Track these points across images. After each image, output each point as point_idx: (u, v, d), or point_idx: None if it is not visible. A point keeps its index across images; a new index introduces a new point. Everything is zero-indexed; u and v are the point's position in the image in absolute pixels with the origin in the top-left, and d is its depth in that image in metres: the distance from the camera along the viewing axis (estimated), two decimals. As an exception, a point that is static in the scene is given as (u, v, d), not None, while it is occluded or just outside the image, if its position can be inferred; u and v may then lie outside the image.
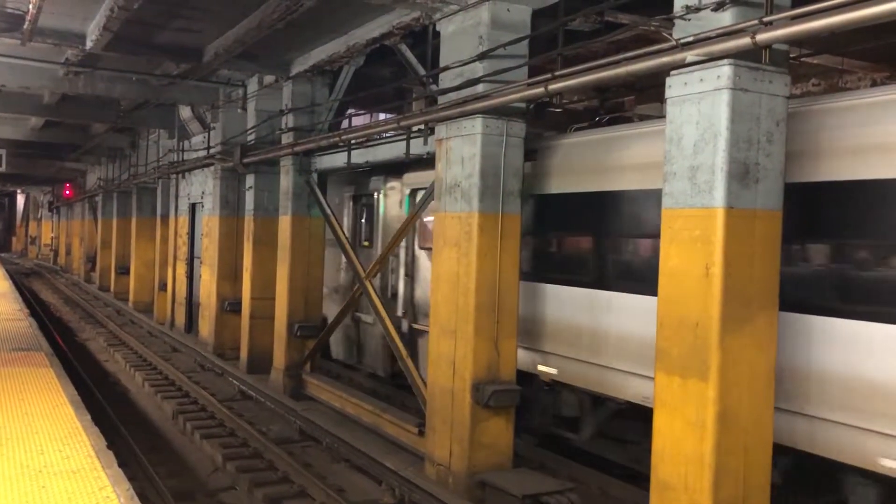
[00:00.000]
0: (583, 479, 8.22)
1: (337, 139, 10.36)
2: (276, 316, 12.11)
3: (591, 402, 8.33)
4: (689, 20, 5.48)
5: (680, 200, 5.50)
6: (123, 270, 24.62)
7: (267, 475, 8.47)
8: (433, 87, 8.50)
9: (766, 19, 4.96)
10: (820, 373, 5.91)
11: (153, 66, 12.96)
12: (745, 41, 4.98)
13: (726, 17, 5.28)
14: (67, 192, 38.18)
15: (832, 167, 6.02)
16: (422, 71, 9.02)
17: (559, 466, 8.61)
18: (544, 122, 13.21)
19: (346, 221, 12.81)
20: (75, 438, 6.56)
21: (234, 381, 12.69)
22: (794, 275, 6.05)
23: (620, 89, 11.84)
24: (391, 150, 9.66)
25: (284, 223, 11.95)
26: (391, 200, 11.84)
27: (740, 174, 5.29)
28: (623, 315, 7.52)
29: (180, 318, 17.72)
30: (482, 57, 7.45)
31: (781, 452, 6.00)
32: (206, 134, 15.87)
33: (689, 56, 5.34)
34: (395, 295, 11.34)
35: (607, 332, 7.73)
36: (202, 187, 16.42)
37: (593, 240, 8.17)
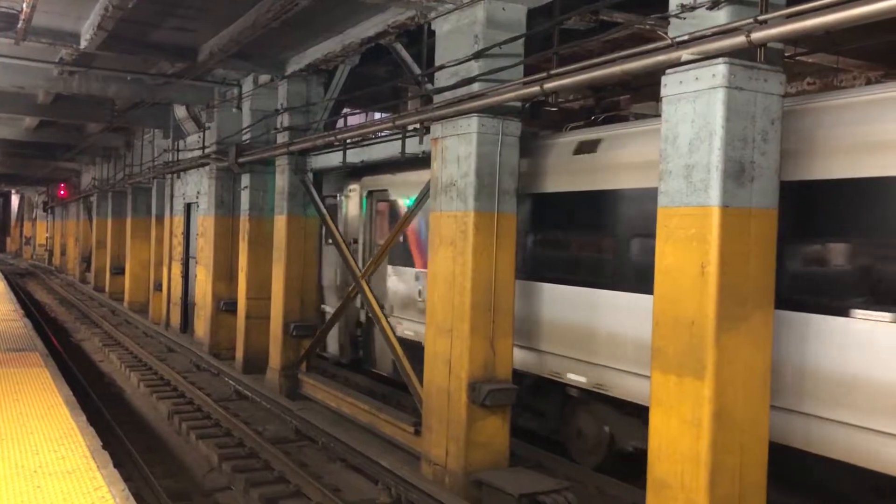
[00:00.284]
0: (579, 478, 8.23)
1: (332, 139, 10.35)
2: (272, 316, 12.10)
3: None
4: (685, 19, 5.49)
5: (675, 199, 5.50)
6: (118, 270, 24.57)
7: (263, 475, 8.45)
8: (429, 86, 8.50)
9: (760, 18, 4.96)
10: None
11: (148, 66, 12.94)
12: (740, 40, 4.99)
13: (721, 16, 5.29)
14: (62, 192, 38.11)
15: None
16: (417, 70, 9.02)
17: (556, 465, 8.62)
18: (540, 122, 13.22)
19: None
20: (70, 439, 6.54)
21: (230, 381, 12.67)
22: None
23: (616, 88, 11.84)
24: (386, 150, 9.65)
25: (280, 223, 11.93)
26: (351, 202, 12.70)
27: (736, 173, 5.29)
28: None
29: (176, 319, 17.69)
30: (478, 56, 7.45)
31: None
32: (202, 133, 15.84)
33: (685, 55, 5.34)
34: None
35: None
36: (197, 187, 16.40)
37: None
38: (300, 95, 11.80)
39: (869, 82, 11.91)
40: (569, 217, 8.57)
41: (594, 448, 8.56)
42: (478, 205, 7.46)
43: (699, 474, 5.29)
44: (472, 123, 7.45)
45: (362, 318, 12.04)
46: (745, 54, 5.21)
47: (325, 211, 11.52)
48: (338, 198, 13.02)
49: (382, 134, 9.78)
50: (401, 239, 10.43)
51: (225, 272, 14.76)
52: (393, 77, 12.00)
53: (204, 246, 15.47)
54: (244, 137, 13.34)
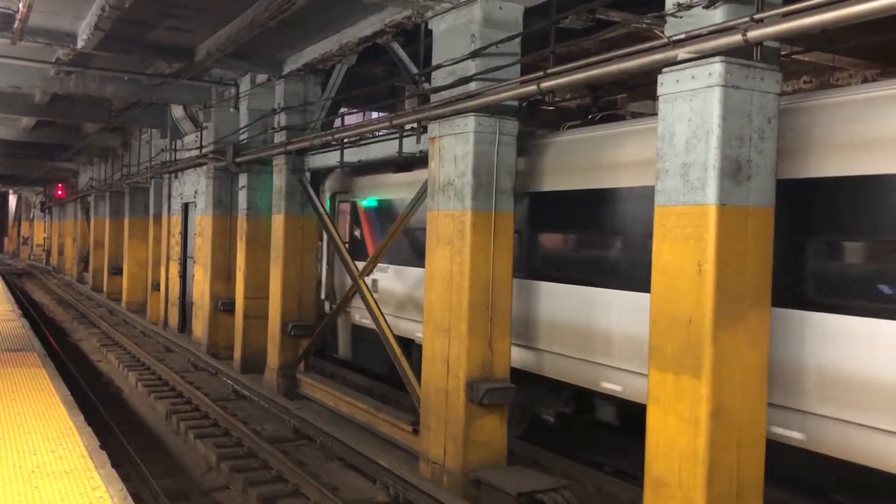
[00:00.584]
0: (577, 477, 8.25)
1: (330, 138, 10.35)
2: (270, 315, 12.10)
3: None
4: (681, 18, 5.49)
5: (672, 198, 5.51)
6: (116, 270, 24.54)
7: (261, 474, 8.46)
8: (426, 85, 8.50)
9: (757, 17, 4.97)
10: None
11: (145, 66, 12.92)
12: (736, 38, 5.00)
13: (718, 15, 5.30)
14: (59, 192, 38.06)
15: None
16: (414, 69, 9.02)
17: (553, 464, 8.64)
18: (537, 120, 13.23)
19: None
20: (68, 439, 6.53)
21: (228, 381, 12.67)
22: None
23: (613, 87, 11.85)
24: (384, 149, 9.65)
25: (278, 222, 11.93)
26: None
27: (732, 171, 5.30)
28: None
29: (173, 318, 17.68)
30: (474, 55, 7.46)
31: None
32: (199, 133, 15.83)
33: (681, 53, 5.35)
34: (319, 282, 13.05)
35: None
36: (195, 187, 16.39)
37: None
38: (297, 95, 11.80)
39: (865, 80, 11.93)
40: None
41: (521, 419, 9.43)
42: (475, 204, 7.46)
43: (697, 472, 5.30)
44: (469, 123, 7.45)
45: (326, 308, 13.06)
46: (742, 53, 5.21)
47: (322, 210, 11.52)
48: None
49: (379, 133, 9.78)
50: (357, 235, 11.30)
51: (223, 272, 14.75)
52: (390, 76, 12.00)
53: (202, 246, 15.46)
54: (241, 137, 13.34)
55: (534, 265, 8.86)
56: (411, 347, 10.21)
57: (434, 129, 7.98)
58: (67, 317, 22.40)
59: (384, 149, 9.64)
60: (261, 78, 12.68)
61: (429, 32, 8.22)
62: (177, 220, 17.78)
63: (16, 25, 9.46)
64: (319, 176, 12.15)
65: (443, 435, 7.71)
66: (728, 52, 5.16)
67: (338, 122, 12.21)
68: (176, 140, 17.84)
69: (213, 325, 14.70)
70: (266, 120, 12.59)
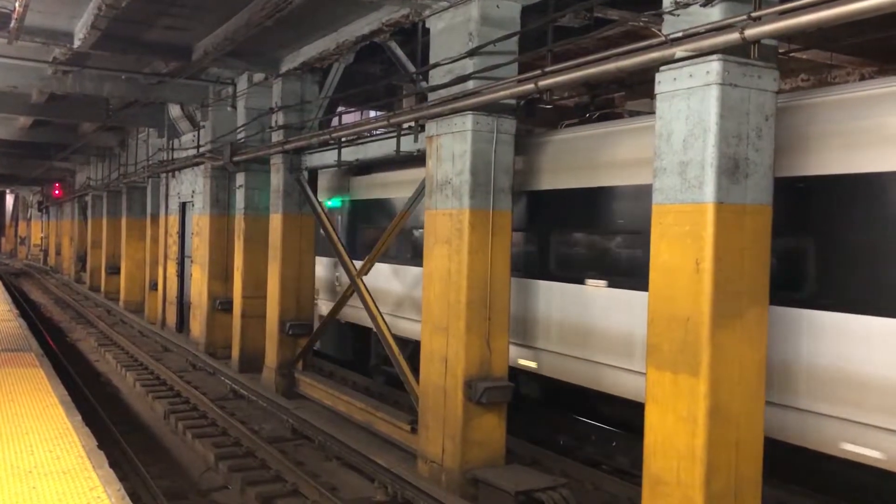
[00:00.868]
0: (575, 475, 8.25)
1: (327, 137, 10.34)
2: (268, 314, 12.09)
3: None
4: (678, 16, 5.49)
5: (670, 196, 5.51)
6: (114, 270, 24.52)
7: (259, 474, 8.45)
8: (423, 84, 8.49)
9: (754, 14, 4.97)
10: None
11: (142, 65, 12.90)
12: (733, 36, 5.00)
13: (715, 13, 5.29)
14: (57, 191, 38.00)
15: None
16: (412, 68, 9.01)
17: (552, 462, 8.64)
18: (535, 119, 13.22)
19: None
20: (66, 439, 6.53)
21: (226, 381, 12.66)
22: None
23: (611, 85, 11.85)
24: (381, 148, 9.64)
25: (275, 221, 11.92)
26: None
27: (730, 169, 5.30)
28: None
29: (171, 318, 17.67)
30: (472, 53, 7.45)
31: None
32: (196, 132, 15.81)
33: (679, 52, 5.35)
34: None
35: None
36: (192, 186, 16.37)
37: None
38: (295, 94, 11.79)
39: (863, 78, 11.94)
40: None
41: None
42: (473, 203, 7.46)
43: (695, 470, 5.31)
44: (466, 121, 7.45)
45: None
46: (739, 51, 5.21)
47: (320, 209, 11.51)
48: None
49: (377, 132, 9.77)
50: (321, 233, 11.77)
51: (220, 271, 14.74)
52: (387, 75, 11.99)
53: (199, 245, 15.45)
54: (239, 136, 13.32)
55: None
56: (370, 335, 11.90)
57: (432, 127, 7.97)
58: (65, 317, 22.37)
59: (381, 147, 9.63)
60: (258, 77, 12.67)
61: (426, 31, 8.22)
62: (174, 219, 17.76)
63: (12, 25, 9.43)
64: (316, 174, 12.13)
65: (441, 434, 7.70)
66: (725, 50, 5.16)
67: (335, 121, 12.18)
68: (173, 139, 17.82)
69: (211, 324, 14.68)
70: (263, 119, 12.57)
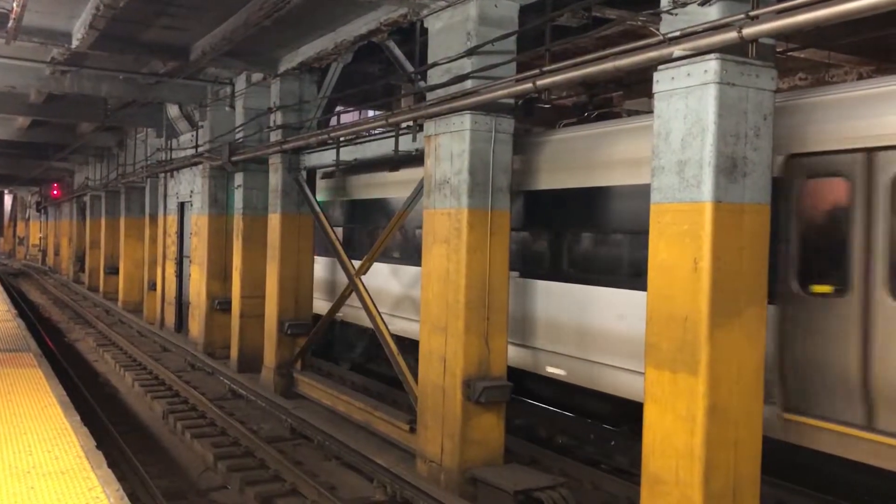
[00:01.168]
0: (574, 475, 8.25)
1: (325, 137, 10.33)
2: (267, 314, 12.08)
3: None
4: (676, 15, 5.49)
5: (668, 195, 5.51)
6: (112, 270, 24.51)
7: (258, 474, 8.45)
8: (422, 83, 8.49)
9: (752, 13, 4.97)
10: None
11: (140, 65, 12.89)
12: (731, 35, 5.00)
13: (713, 12, 5.30)
14: (55, 191, 37.98)
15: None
16: (410, 67, 9.01)
17: (551, 462, 8.64)
18: (533, 119, 13.21)
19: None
20: (64, 439, 6.52)
21: (225, 380, 12.66)
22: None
23: (609, 85, 11.85)
24: (380, 148, 9.64)
25: (274, 221, 11.92)
26: None
27: (728, 168, 5.30)
28: None
29: (170, 318, 17.66)
30: (470, 53, 7.45)
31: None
32: (195, 132, 15.79)
33: (677, 51, 5.35)
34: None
35: None
36: (191, 186, 16.36)
37: None
38: (293, 94, 11.79)
39: (861, 77, 11.95)
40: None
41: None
42: (471, 202, 7.46)
43: (693, 469, 5.31)
44: (465, 121, 7.44)
45: None
46: (737, 50, 5.22)
47: (318, 209, 11.51)
48: None
49: (375, 132, 9.76)
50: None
51: (219, 271, 14.74)
52: (386, 75, 12.00)
53: (198, 245, 15.44)
54: (237, 136, 13.31)
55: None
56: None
57: (430, 127, 7.97)
58: (63, 317, 22.35)
59: (380, 147, 9.62)
60: (256, 77, 12.66)
61: (424, 31, 8.21)
62: (173, 219, 17.75)
63: (10, 25, 9.42)
64: (315, 174, 12.14)
65: (440, 433, 7.70)
66: (723, 49, 5.16)
67: (334, 121, 12.19)
68: (171, 139, 17.81)
69: (210, 324, 14.68)
70: (262, 119, 12.57)
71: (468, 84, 7.48)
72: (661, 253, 5.58)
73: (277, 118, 11.88)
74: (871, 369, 5.80)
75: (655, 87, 5.60)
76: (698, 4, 5.33)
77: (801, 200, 6.29)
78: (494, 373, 7.63)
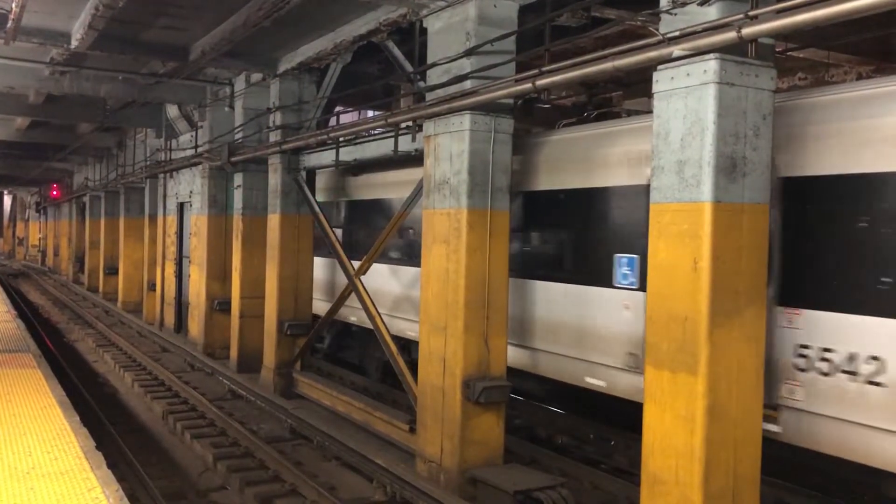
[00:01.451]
0: (574, 474, 8.25)
1: (325, 137, 10.33)
2: (266, 315, 12.08)
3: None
4: (676, 15, 5.50)
5: (668, 195, 5.51)
6: (112, 271, 24.51)
7: (258, 474, 8.45)
8: (421, 83, 8.49)
9: (751, 13, 4.97)
10: None
11: (139, 65, 12.88)
12: (730, 35, 5.00)
13: (712, 12, 5.30)
14: (54, 192, 37.98)
15: None
16: (409, 68, 9.00)
17: (550, 461, 8.64)
18: (533, 118, 13.21)
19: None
20: (64, 440, 6.52)
21: (225, 381, 12.65)
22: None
23: (608, 85, 11.85)
24: (379, 148, 9.64)
25: (273, 221, 11.91)
26: None
27: (727, 168, 5.30)
28: None
29: (169, 318, 17.65)
30: (469, 53, 7.45)
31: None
32: (194, 133, 15.79)
33: (676, 50, 5.35)
34: None
35: None
36: (190, 186, 16.36)
37: None
38: (292, 94, 11.78)
39: (860, 77, 11.95)
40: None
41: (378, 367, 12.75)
42: (471, 202, 7.46)
43: (693, 469, 5.31)
44: (464, 121, 7.44)
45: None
46: (736, 50, 5.22)
47: (318, 209, 11.50)
48: None
49: (375, 132, 9.76)
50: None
51: (218, 271, 14.73)
52: (385, 75, 12.00)
53: (197, 245, 15.44)
54: (236, 136, 13.31)
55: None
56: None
57: (429, 127, 7.97)
58: (63, 317, 22.35)
59: (379, 147, 9.62)
60: (256, 77, 12.66)
61: (424, 31, 8.21)
62: (172, 219, 17.75)
63: (9, 25, 9.41)
64: (314, 174, 12.14)
65: (439, 433, 7.70)
66: (723, 49, 5.16)
67: (333, 121, 12.18)
68: (171, 139, 17.81)
69: (210, 324, 14.67)
70: (261, 119, 12.57)
71: (467, 84, 7.48)
72: (660, 253, 5.58)
73: (277, 118, 11.88)
74: None
75: (655, 87, 5.60)
76: (697, 4, 5.33)
77: None
78: (494, 373, 7.63)
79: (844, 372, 5.80)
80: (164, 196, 18.32)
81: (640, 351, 7.00)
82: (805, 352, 6.04)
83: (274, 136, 11.91)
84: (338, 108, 13.62)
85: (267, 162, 12.16)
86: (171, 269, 17.64)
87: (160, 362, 14.50)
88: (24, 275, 38.70)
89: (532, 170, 8.74)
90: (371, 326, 9.85)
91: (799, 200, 6.17)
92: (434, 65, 7.90)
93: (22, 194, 53.02)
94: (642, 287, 6.87)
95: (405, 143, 8.89)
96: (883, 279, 5.62)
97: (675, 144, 5.46)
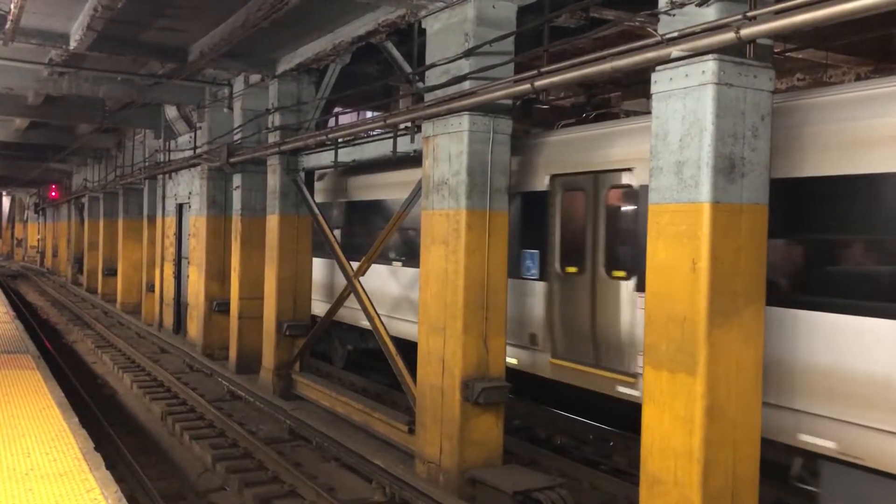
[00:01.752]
0: (573, 475, 8.25)
1: (324, 138, 10.33)
2: (265, 315, 12.08)
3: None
4: (674, 15, 5.50)
5: (666, 195, 5.51)
6: (111, 272, 24.49)
7: (257, 475, 8.44)
8: (420, 84, 8.49)
9: (749, 14, 4.98)
10: None
11: (138, 66, 12.89)
12: (729, 36, 5.01)
13: (710, 13, 5.30)
14: (53, 193, 37.97)
15: None
16: (408, 68, 9.01)
17: (549, 462, 8.64)
18: (531, 119, 13.22)
19: None
20: (62, 441, 6.51)
21: (223, 382, 12.64)
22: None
23: (607, 85, 11.86)
24: (378, 149, 9.65)
25: (272, 222, 11.91)
26: None
27: (726, 169, 5.31)
28: None
29: (168, 319, 17.65)
30: (468, 54, 7.45)
31: None
32: (193, 134, 15.80)
33: (674, 51, 5.35)
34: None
35: None
36: (189, 187, 16.36)
37: None
38: (291, 95, 11.78)
39: (858, 78, 11.97)
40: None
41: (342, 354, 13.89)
42: (470, 203, 7.46)
43: (692, 470, 5.31)
44: (463, 122, 7.45)
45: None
46: (735, 50, 5.22)
47: (317, 210, 11.50)
48: None
49: (374, 133, 9.76)
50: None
51: (217, 272, 14.73)
52: (384, 76, 12.00)
53: (196, 246, 15.43)
54: (235, 137, 13.31)
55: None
56: None
57: (428, 128, 7.97)
58: (62, 318, 22.33)
59: (378, 148, 9.62)
60: (254, 78, 12.66)
61: (422, 31, 8.21)
62: (171, 220, 17.74)
63: (7, 26, 9.41)
64: (313, 175, 12.15)
65: (438, 434, 7.70)
66: (721, 50, 5.17)
67: (332, 122, 12.18)
68: (170, 140, 17.80)
69: (208, 325, 14.67)
70: (260, 120, 12.57)
71: (466, 85, 7.48)
72: (659, 253, 5.58)
73: (276, 119, 11.88)
74: (595, 324, 8.05)
75: (653, 88, 5.60)
76: (696, 5, 5.33)
77: (561, 208, 8.54)
78: (493, 373, 7.63)
79: None
80: (163, 197, 18.32)
81: (539, 331, 8.64)
82: None
83: (273, 137, 11.91)
84: (337, 109, 13.63)
85: (266, 163, 12.16)
86: (169, 270, 17.64)
87: (159, 363, 14.49)
88: (23, 276, 38.67)
89: None
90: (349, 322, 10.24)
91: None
92: (433, 65, 7.90)
93: (21, 195, 53.00)
94: (542, 277, 8.67)
95: (404, 144, 8.89)
96: None
97: (673, 145, 5.47)
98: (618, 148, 7.87)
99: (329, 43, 10.16)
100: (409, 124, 8.49)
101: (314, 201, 11.66)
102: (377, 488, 7.94)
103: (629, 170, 7.71)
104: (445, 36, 7.77)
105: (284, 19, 8.86)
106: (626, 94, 12.94)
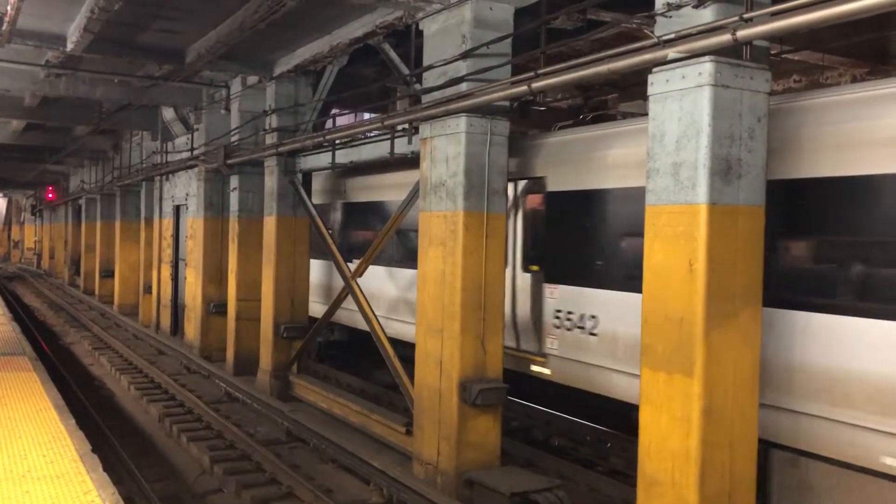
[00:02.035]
0: (571, 476, 8.25)
1: (321, 139, 10.34)
2: (262, 317, 12.07)
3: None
4: (671, 17, 5.51)
5: (663, 197, 5.52)
6: (108, 273, 24.46)
7: (254, 477, 8.44)
8: (417, 86, 8.50)
9: (746, 16, 4.99)
10: None
11: (135, 68, 12.88)
12: (725, 38, 5.01)
13: (707, 14, 5.31)
14: (50, 195, 37.91)
15: None
16: (405, 70, 9.01)
17: (547, 464, 8.64)
18: (529, 121, 13.23)
19: None
20: (59, 443, 6.51)
21: (221, 384, 12.63)
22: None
23: (604, 87, 11.87)
24: (375, 150, 9.65)
25: (269, 224, 11.91)
26: None
27: (723, 170, 5.32)
28: None
29: (166, 321, 17.63)
30: (465, 56, 7.46)
31: None
32: (190, 135, 15.79)
33: (671, 53, 5.36)
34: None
35: None
36: (186, 189, 16.34)
37: None
38: (288, 96, 11.78)
39: (854, 79, 11.99)
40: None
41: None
42: (467, 205, 7.46)
43: (689, 471, 5.31)
44: (460, 123, 7.45)
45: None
46: (731, 52, 5.23)
47: (314, 212, 11.50)
48: None
49: (371, 134, 9.77)
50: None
51: (215, 274, 14.72)
52: (381, 77, 12.01)
53: (193, 248, 15.42)
54: (233, 139, 13.30)
55: None
56: None
57: (425, 129, 7.97)
58: (59, 320, 22.30)
59: (376, 150, 9.63)
60: (252, 79, 12.66)
61: (420, 33, 8.22)
62: (168, 222, 17.73)
63: (4, 28, 9.40)
64: (310, 177, 12.15)
65: (436, 436, 7.70)
66: (718, 52, 5.18)
67: (329, 124, 12.19)
68: (167, 142, 17.79)
69: (206, 327, 14.66)
70: (257, 122, 12.57)
71: (463, 86, 7.49)
72: (656, 255, 5.59)
73: (273, 121, 11.88)
74: (515, 313, 8.84)
75: (650, 90, 5.61)
76: (692, 7, 5.34)
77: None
78: (491, 375, 7.63)
79: (578, 328, 8.08)
80: (160, 199, 18.30)
81: None
82: (559, 314, 8.35)
83: (270, 139, 11.91)
84: (334, 111, 13.63)
85: (263, 164, 12.16)
86: (167, 271, 17.62)
87: (156, 365, 14.47)
88: (20, 278, 38.62)
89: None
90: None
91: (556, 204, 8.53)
92: (430, 67, 7.90)
93: (17, 197, 52.92)
94: None
95: (401, 146, 8.89)
96: (597, 262, 7.98)
97: (670, 147, 5.47)
98: (537, 159, 8.81)
99: (326, 45, 10.16)
100: (406, 126, 8.49)
101: (311, 203, 11.65)
102: (375, 490, 7.93)
103: (543, 178, 8.67)
104: (443, 38, 7.78)
105: (281, 21, 8.86)
106: (623, 96, 12.96)
